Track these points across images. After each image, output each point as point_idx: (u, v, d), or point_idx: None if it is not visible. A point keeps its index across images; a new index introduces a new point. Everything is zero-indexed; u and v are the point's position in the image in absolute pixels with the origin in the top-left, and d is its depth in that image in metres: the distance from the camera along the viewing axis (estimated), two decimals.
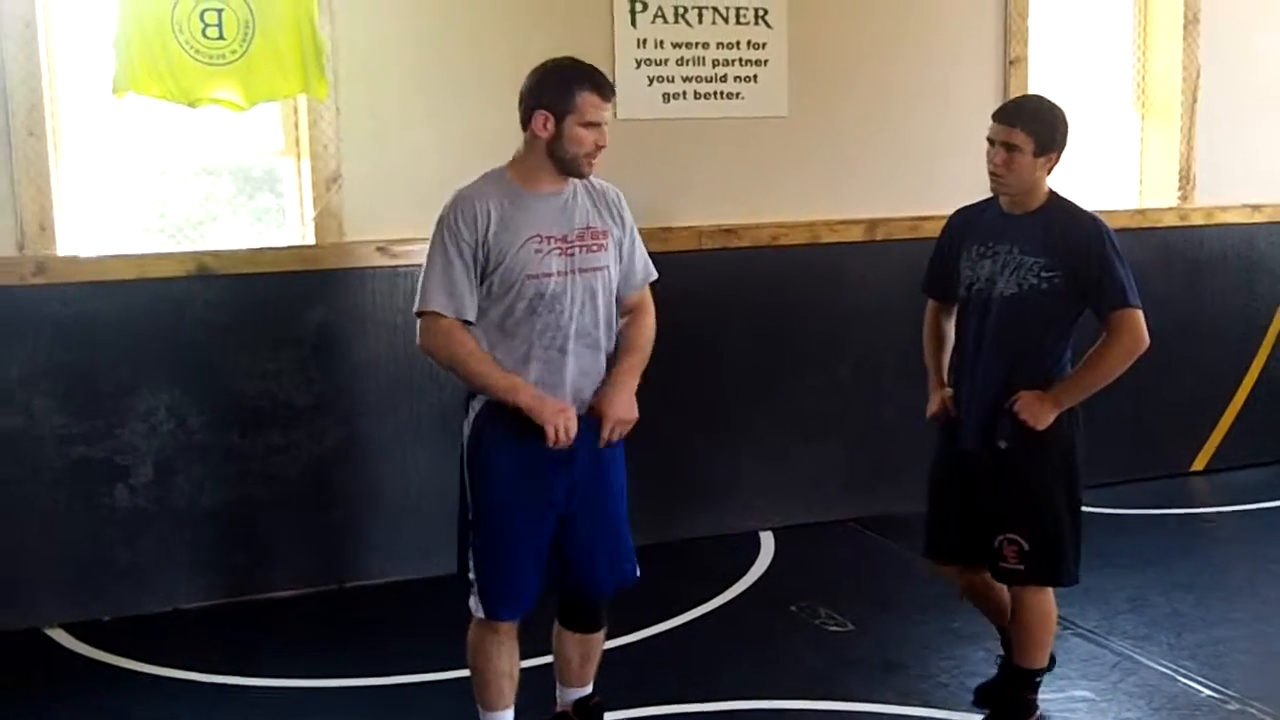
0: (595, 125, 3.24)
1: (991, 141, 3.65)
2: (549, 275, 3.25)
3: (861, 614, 4.80)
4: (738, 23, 5.57)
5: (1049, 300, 3.61)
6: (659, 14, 5.44)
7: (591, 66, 3.31)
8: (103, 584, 4.87)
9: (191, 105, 4.67)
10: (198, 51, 4.64)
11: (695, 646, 4.59)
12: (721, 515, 5.77)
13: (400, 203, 5.05)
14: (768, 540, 5.69)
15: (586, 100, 3.22)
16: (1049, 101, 3.73)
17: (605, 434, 3.31)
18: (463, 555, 3.39)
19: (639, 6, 5.40)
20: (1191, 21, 6.43)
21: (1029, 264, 3.60)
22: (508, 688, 3.43)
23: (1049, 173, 3.67)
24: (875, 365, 5.93)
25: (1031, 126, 3.59)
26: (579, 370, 3.34)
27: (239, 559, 5.05)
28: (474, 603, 3.36)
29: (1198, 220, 6.51)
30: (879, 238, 5.87)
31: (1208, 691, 4.13)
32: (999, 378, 3.67)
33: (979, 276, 3.70)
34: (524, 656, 3.49)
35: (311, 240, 5.09)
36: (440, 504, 5.24)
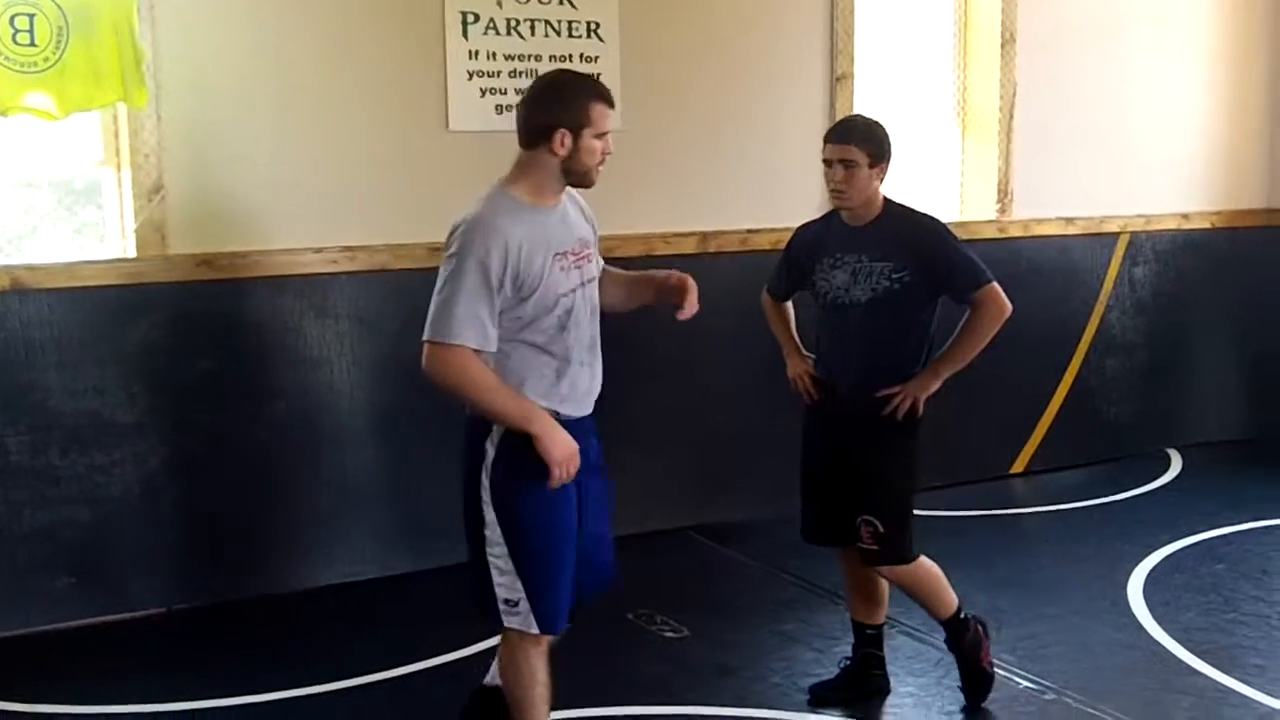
0: (605, 135, 3.28)
1: (829, 162, 3.90)
2: (571, 291, 3.30)
3: (697, 620, 4.87)
4: (570, 36, 5.60)
5: (904, 298, 3.87)
6: (491, 26, 5.44)
7: (589, 76, 3.41)
8: None
9: (2, 114, 4.51)
10: (7, 58, 4.48)
11: None
12: None
13: (226, 215, 4.94)
14: None
15: (598, 111, 3.25)
16: (871, 118, 4.02)
17: (692, 300, 3.41)
18: (484, 582, 3.31)
19: (470, 18, 5.39)
20: (1009, 41, 6.67)
21: (879, 269, 3.87)
22: (549, 697, 3.44)
23: (881, 182, 3.93)
24: (706, 377, 6.00)
25: (863, 142, 3.86)
26: (594, 378, 3.41)
27: (61, 583, 4.87)
28: (527, 623, 3.32)
29: (1015, 233, 6.76)
30: (711, 250, 5.96)
31: (1025, 683, 4.30)
32: (863, 373, 3.93)
33: (833, 286, 3.96)
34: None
35: (133, 253, 4.94)
36: (267, 520, 5.17)
